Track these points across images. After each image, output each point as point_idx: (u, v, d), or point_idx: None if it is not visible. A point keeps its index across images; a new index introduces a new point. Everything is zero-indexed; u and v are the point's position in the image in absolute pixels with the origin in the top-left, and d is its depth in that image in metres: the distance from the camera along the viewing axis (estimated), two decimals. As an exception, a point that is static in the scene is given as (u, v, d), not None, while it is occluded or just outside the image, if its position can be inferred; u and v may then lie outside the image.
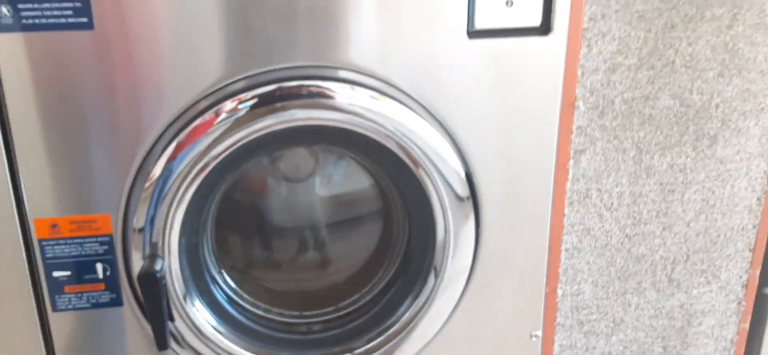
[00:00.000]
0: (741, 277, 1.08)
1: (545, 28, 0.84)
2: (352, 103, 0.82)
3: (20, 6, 0.72)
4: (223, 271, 0.96)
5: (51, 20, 0.74)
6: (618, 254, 1.03)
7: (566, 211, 0.98)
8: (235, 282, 0.97)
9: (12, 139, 0.78)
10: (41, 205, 0.82)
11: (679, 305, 1.08)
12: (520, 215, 0.94)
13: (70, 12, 0.74)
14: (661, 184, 0.99)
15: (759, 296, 1.10)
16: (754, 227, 1.04)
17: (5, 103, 0.77)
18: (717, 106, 0.95)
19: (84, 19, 0.74)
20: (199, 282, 0.89)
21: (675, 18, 0.89)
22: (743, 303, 1.10)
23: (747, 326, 1.12)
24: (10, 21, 0.73)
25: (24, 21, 0.73)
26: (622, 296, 1.06)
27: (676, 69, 0.92)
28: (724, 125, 0.96)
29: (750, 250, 1.06)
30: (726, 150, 0.98)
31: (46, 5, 0.73)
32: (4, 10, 0.72)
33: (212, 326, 0.90)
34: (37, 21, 0.73)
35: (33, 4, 0.73)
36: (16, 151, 0.79)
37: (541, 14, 0.84)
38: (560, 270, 1.02)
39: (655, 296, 1.07)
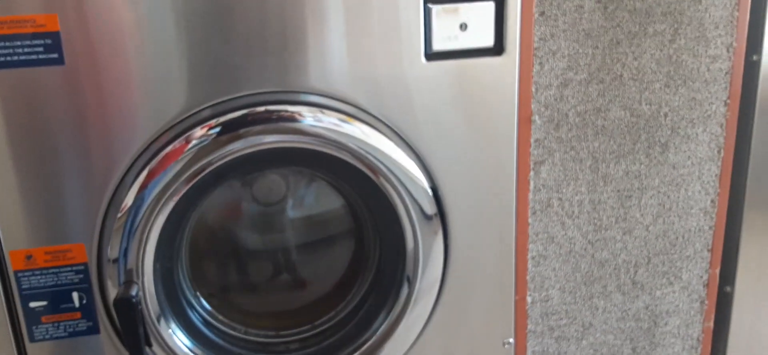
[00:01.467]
0: (702, 276, 1.12)
1: (498, 48, 0.89)
2: (320, 126, 0.85)
3: (-7, 45, 0.75)
4: (198, 294, 0.98)
5: (22, 57, 0.76)
6: (582, 260, 1.07)
7: (530, 220, 1.02)
8: (211, 305, 0.99)
9: (-14, 173, 0.81)
10: (16, 237, 0.84)
11: (644, 307, 1.12)
12: (487, 227, 0.98)
13: (40, 48, 0.77)
14: (619, 191, 1.03)
15: (721, 295, 1.14)
16: (710, 228, 1.09)
17: (-21, 138, 0.79)
18: (665, 115, 1.00)
19: (55, 55, 0.77)
20: (174, 306, 0.92)
21: (620, 34, 0.94)
22: (706, 302, 1.14)
23: (711, 324, 1.16)
24: (-18, 60, 0.76)
25: (-4, 59, 0.76)
26: (589, 301, 1.10)
27: (624, 82, 0.97)
28: (674, 133, 1.01)
29: (708, 250, 1.10)
30: (677, 156, 1.03)
31: (18, 43, 0.76)
32: (-23, 49, 0.75)
33: (189, 349, 0.92)
34: (8, 58, 0.76)
35: (4, 42, 0.75)
36: (-10, 185, 0.81)
37: (493, 36, 0.88)
38: (528, 278, 1.06)
39: (620, 299, 1.11)
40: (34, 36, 0.76)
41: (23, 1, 0.75)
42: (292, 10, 0.82)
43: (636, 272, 1.09)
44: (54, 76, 0.78)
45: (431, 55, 0.87)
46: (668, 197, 1.05)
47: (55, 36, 0.77)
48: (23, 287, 0.86)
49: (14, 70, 0.77)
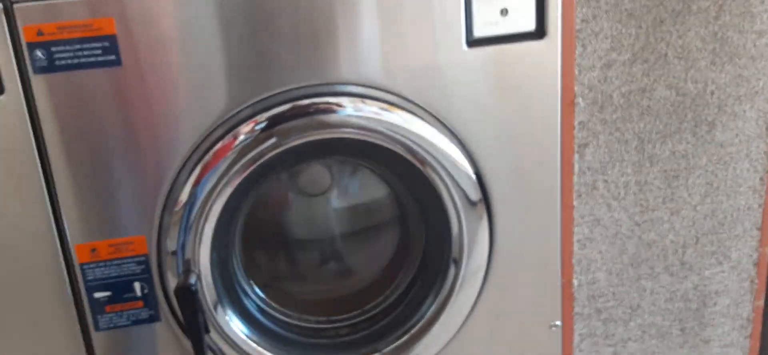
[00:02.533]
0: (751, 255, 1.11)
1: (540, 32, 0.89)
2: (361, 116, 0.87)
3: (53, 49, 0.79)
4: (252, 282, 1.02)
5: (82, 60, 0.80)
6: (629, 242, 1.07)
7: (575, 203, 1.02)
8: (265, 293, 1.03)
9: (51, 172, 0.85)
10: (81, 231, 0.88)
11: (693, 287, 1.12)
12: (531, 210, 0.98)
13: (99, 51, 0.80)
14: (665, 171, 1.03)
15: (772, 274, 1.13)
16: (759, 206, 1.07)
17: (43, 138, 0.83)
18: (712, 93, 0.99)
19: (112, 57, 0.81)
20: (230, 294, 0.95)
21: (663, 13, 0.93)
22: (756, 281, 1.13)
23: (762, 303, 1.15)
24: (44, 63, 0.80)
25: (57, 62, 0.80)
26: (636, 282, 1.10)
27: (669, 61, 0.96)
28: (721, 111, 1.00)
29: (758, 229, 1.09)
30: (725, 134, 1.01)
31: (77, 47, 0.79)
32: (39, 53, 0.79)
33: (246, 335, 0.95)
34: (69, 61, 0.80)
35: (65, 46, 0.79)
36: (55, 182, 0.86)
37: (535, 20, 0.89)
38: (574, 261, 1.06)
39: (668, 280, 1.10)
40: (93, 39, 0.80)
41: (77, 7, 0.78)
42: (330, 3, 0.84)
43: (684, 252, 1.09)
44: (112, 78, 0.82)
45: (473, 42, 0.88)
46: (716, 175, 1.04)
47: (112, 39, 0.80)
48: (88, 278, 0.90)
49: (74, 73, 0.81)
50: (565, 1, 0.89)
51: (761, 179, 1.05)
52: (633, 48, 0.94)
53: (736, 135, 1.02)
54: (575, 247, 1.05)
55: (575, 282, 1.07)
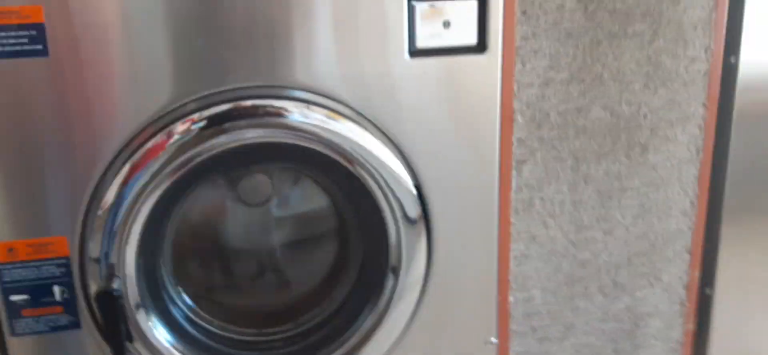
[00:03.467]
0: (682, 278, 1.14)
1: (481, 46, 0.90)
2: (306, 122, 0.86)
3: (-24, 35, 0.76)
4: (180, 289, 0.98)
5: (7, 48, 0.77)
6: (564, 260, 1.08)
7: (512, 219, 1.03)
8: (194, 301, 0.99)
9: (-32, 164, 0.81)
10: (-2, 229, 0.84)
11: (625, 308, 1.13)
12: (470, 225, 0.99)
13: (25, 40, 0.77)
14: (599, 191, 1.05)
15: (702, 297, 1.16)
16: (689, 229, 1.10)
17: (-38, 129, 0.79)
18: (645, 116, 1.01)
19: (39, 47, 0.77)
20: (156, 301, 0.91)
21: (600, 35, 0.96)
22: (686, 304, 1.15)
23: (693, 327, 1.17)
24: (-34, 49, 0.76)
25: (-20, 49, 0.76)
26: (570, 301, 1.11)
27: (604, 82, 0.98)
28: (654, 134, 1.03)
29: (688, 252, 1.12)
30: (657, 157, 1.04)
31: (2, 34, 0.76)
32: (-39, 39, 0.75)
33: (170, 344, 0.91)
34: (-8, 49, 0.77)
35: (-11, 33, 0.76)
36: (-28, 176, 0.81)
37: (476, 34, 0.90)
38: (510, 277, 1.07)
39: (602, 300, 1.12)
40: (19, 27, 0.76)
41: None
42: (278, 5, 0.83)
43: (617, 272, 1.11)
44: (38, 68, 0.79)
45: (415, 53, 0.88)
46: (648, 197, 1.07)
47: (39, 27, 0.77)
48: (4, 279, 0.85)
49: (-1, 61, 0.77)
50: (506, 17, 0.91)
51: (692, 202, 1.08)
52: (570, 68, 0.97)
53: (668, 158, 1.05)
54: (512, 263, 1.06)
55: (511, 299, 1.08)
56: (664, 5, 0.96)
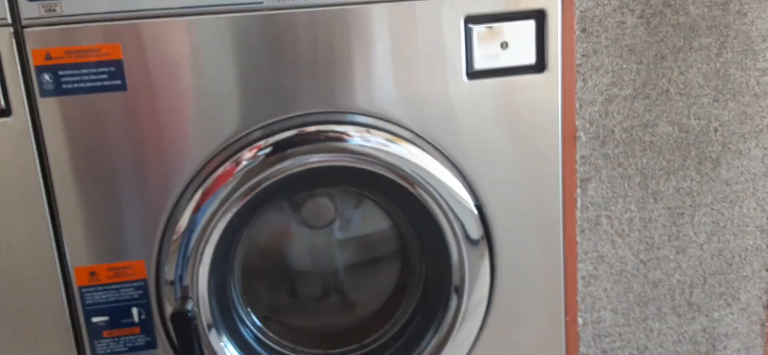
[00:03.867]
0: (761, 297, 1.08)
1: (540, 66, 0.90)
2: (367, 146, 0.88)
3: (61, 73, 0.81)
4: (249, 310, 1.01)
5: (88, 84, 0.82)
6: (634, 280, 1.05)
7: (578, 239, 1.01)
8: (262, 322, 1.02)
9: (54, 194, 0.86)
10: (80, 253, 0.89)
11: (701, 329, 1.09)
12: (534, 246, 0.97)
13: (105, 76, 0.82)
14: (670, 208, 1.01)
15: (783, 318, 1.10)
16: (767, 246, 1.05)
17: (48, 160, 0.85)
18: (715, 130, 0.98)
19: (118, 82, 0.83)
20: (227, 322, 0.94)
21: (664, 49, 0.94)
22: (767, 324, 1.10)
23: (774, 349, 1.12)
24: (51, 86, 0.82)
25: (64, 86, 0.82)
26: (643, 323, 1.08)
27: (671, 97, 0.96)
28: (725, 148, 0.99)
29: (767, 270, 1.07)
30: (730, 172, 1.00)
31: (84, 71, 0.81)
32: (46, 77, 0.81)
33: (240, 364, 0.94)
34: (75, 85, 0.82)
35: (72, 71, 0.81)
36: (58, 204, 0.87)
37: (535, 53, 0.90)
38: (578, 298, 1.04)
39: (676, 321, 1.08)
40: (99, 64, 0.82)
41: (87, 31, 0.81)
42: (338, 34, 0.86)
43: (691, 292, 1.07)
44: (116, 102, 0.84)
45: (473, 74, 0.89)
46: (722, 214, 1.03)
47: (118, 64, 0.82)
48: (86, 302, 0.90)
49: (80, 97, 0.83)
50: (565, 35, 0.90)
51: (769, 218, 1.04)
52: (634, 83, 0.95)
53: (742, 173, 1.01)
54: (579, 284, 1.04)
55: (580, 321, 1.06)
56: (730, 17, 0.93)
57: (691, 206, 1.02)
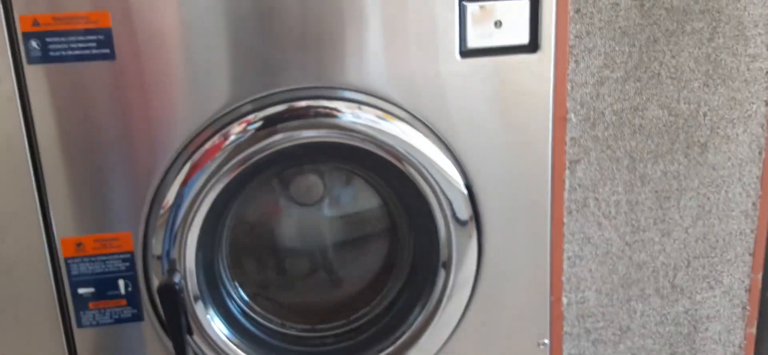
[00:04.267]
0: (743, 281, 1.10)
1: (533, 46, 0.90)
2: (358, 122, 0.87)
3: (48, 40, 0.80)
4: (237, 284, 1.01)
5: (76, 52, 0.81)
6: (619, 262, 1.06)
7: (565, 220, 1.02)
8: (249, 296, 1.02)
9: (41, 163, 0.85)
10: (67, 225, 0.88)
11: (684, 311, 1.11)
12: (521, 225, 0.98)
13: (93, 44, 0.81)
14: (656, 191, 1.02)
15: (764, 300, 1.12)
16: (751, 231, 1.07)
17: (35, 129, 0.84)
18: (705, 115, 0.99)
19: (106, 50, 0.81)
20: (214, 295, 0.94)
21: (657, 32, 0.94)
22: (748, 308, 1.12)
23: (754, 330, 1.14)
24: (39, 54, 0.80)
25: (51, 53, 0.80)
26: (626, 303, 1.09)
27: (662, 81, 0.96)
28: (714, 133, 1.00)
29: (750, 254, 1.08)
30: (717, 157, 1.01)
31: (72, 38, 0.80)
32: (34, 43, 0.80)
33: (226, 337, 0.94)
34: (62, 53, 0.81)
35: (59, 38, 0.80)
36: (44, 174, 0.86)
37: (528, 33, 0.89)
38: (563, 279, 1.05)
39: (659, 303, 1.09)
40: (88, 32, 0.80)
41: None
42: (330, 9, 0.85)
43: (675, 275, 1.08)
44: (104, 71, 0.82)
45: (466, 53, 0.89)
46: (708, 198, 1.04)
47: (107, 32, 0.81)
48: (73, 273, 0.90)
49: (67, 64, 0.81)
50: (558, 16, 0.90)
51: (754, 204, 1.05)
52: (626, 66, 0.95)
53: (729, 158, 1.02)
54: (565, 265, 1.04)
55: (564, 300, 1.07)
56: (723, 2, 0.94)
57: (677, 189, 1.02)
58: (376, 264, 1.06)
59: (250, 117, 0.86)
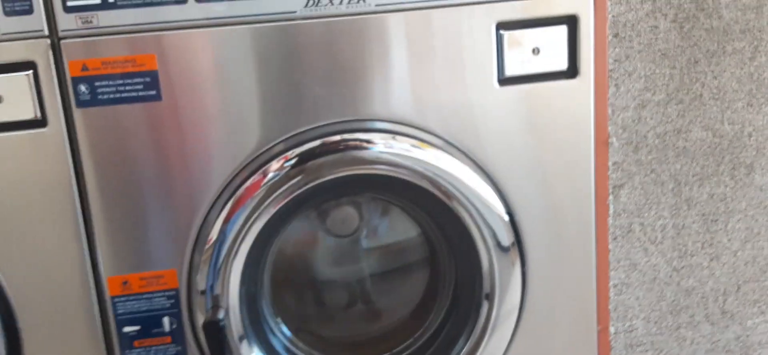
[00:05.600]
0: (797, 306, 1.07)
1: (572, 71, 0.89)
2: (392, 153, 0.87)
3: (97, 84, 0.82)
4: (279, 320, 1.01)
5: (124, 94, 0.83)
6: (667, 288, 1.03)
7: (610, 246, 1.00)
8: (292, 331, 1.01)
9: (88, 203, 0.86)
10: (113, 263, 0.89)
11: (735, 338, 1.07)
12: (565, 253, 0.96)
13: (140, 86, 0.83)
14: (703, 214, 1.00)
15: (819, 326, 1.08)
16: (803, 253, 1.04)
17: (82, 170, 0.85)
18: (749, 136, 0.97)
19: (153, 92, 0.83)
20: (257, 332, 0.94)
21: (698, 54, 0.93)
22: (802, 333, 1.08)
23: (810, 358, 1.10)
24: (87, 97, 0.82)
25: (99, 96, 0.82)
26: (675, 331, 1.06)
27: (704, 102, 0.95)
28: (759, 153, 0.98)
29: (803, 277, 1.05)
30: (764, 178, 0.99)
31: (120, 81, 0.82)
32: (83, 88, 0.82)
33: (272, 374, 0.94)
34: (112, 96, 0.83)
35: (108, 81, 0.82)
36: (91, 214, 0.87)
37: (567, 59, 0.89)
38: (610, 307, 1.03)
39: (709, 330, 1.06)
40: (135, 75, 0.82)
41: (121, 43, 0.81)
42: (360, 44, 0.85)
43: (725, 300, 1.05)
44: (150, 113, 0.84)
45: (504, 81, 0.88)
46: (756, 220, 1.01)
47: (153, 74, 0.82)
48: (118, 312, 0.90)
49: (114, 107, 0.83)
50: (597, 41, 0.89)
51: (805, 225, 1.02)
52: (667, 88, 0.94)
53: (777, 178, 0.99)
54: (611, 292, 1.02)
55: (612, 329, 1.04)
56: (764, 20, 0.92)
57: (724, 212, 1.00)
58: (418, 295, 1.05)
59: (288, 154, 0.87)
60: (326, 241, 1.05)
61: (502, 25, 0.87)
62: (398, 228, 1.05)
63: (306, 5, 0.83)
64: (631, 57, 0.92)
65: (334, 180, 0.87)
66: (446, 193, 0.89)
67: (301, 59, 0.85)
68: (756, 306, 1.06)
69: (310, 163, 0.86)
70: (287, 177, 0.86)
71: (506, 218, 0.92)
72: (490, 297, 0.94)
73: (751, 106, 0.96)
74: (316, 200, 0.95)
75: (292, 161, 0.87)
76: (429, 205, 0.92)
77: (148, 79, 0.82)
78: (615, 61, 0.92)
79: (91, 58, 0.81)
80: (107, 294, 0.90)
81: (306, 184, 0.87)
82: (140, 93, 0.83)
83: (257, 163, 0.88)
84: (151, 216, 0.88)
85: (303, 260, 1.06)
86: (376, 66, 0.86)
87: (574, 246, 0.96)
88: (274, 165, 0.87)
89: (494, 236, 0.92)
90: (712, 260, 1.02)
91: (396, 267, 1.06)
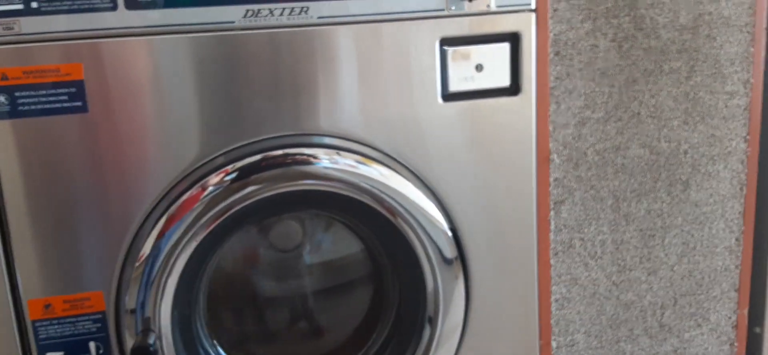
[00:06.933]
0: (730, 318, 1.09)
1: (515, 88, 0.89)
2: (336, 168, 0.85)
3: (17, 94, 0.77)
4: (216, 342, 0.97)
5: (47, 106, 0.78)
6: (607, 303, 1.04)
7: (552, 261, 1.00)
8: (228, 352, 0.98)
9: (7, 220, 0.81)
10: (35, 286, 0.83)
11: (673, 350, 1.09)
12: (508, 268, 0.96)
13: (65, 97, 0.78)
14: (641, 230, 1.02)
15: (751, 336, 1.11)
16: (736, 267, 1.06)
17: (0, 186, 0.80)
18: (685, 153, 0.99)
19: (78, 103, 0.78)
20: (191, 354, 0.90)
21: (636, 73, 0.94)
22: (736, 344, 1.11)
23: (742, 368, 1.13)
24: (7, 108, 0.77)
25: (20, 108, 0.77)
26: (615, 345, 1.07)
27: (642, 120, 0.97)
28: (695, 170, 1.00)
29: (735, 290, 1.08)
30: (700, 194, 1.01)
31: (43, 92, 0.77)
32: (2, 98, 0.76)
33: (207, 399, 0.90)
34: (33, 107, 0.77)
35: (29, 91, 0.77)
36: (10, 232, 0.81)
37: (509, 76, 0.89)
38: (552, 321, 1.03)
39: (648, 343, 1.08)
40: (59, 85, 0.77)
41: (46, 51, 0.76)
42: (304, 56, 0.83)
43: (663, 314, 1.07)
44: (76, 125, 0.79)
45: (448, 96, 0.88)
46: (692, 235, 1.03)
47: (79, 84, 0.78)
48: (40, 337, 0.85)
49: (37, 119, 0.78)
50: (539, 58, 0.90)
51: (737, 239, 1.05)
52: (606, 106, 0.95)
53: (711, 195, 1.02)
54: (553, 307, 1.03)
55: (554, 344, 1.05)
56: (699, 41, 0.95)
57: (661, 227, 1.02)
58: (360, 313, 1.03)
59: (228, 167, 0.84)
60: (267, 256, 1.02)
61: (446, 41, 0.86)
62: (342, 244, 1.03)
63: (245, 16, 0.81)
64: (572, 75, 0.93)
65: (276, 195, 0.85)
66: (390, 209, 0.88)
67: (242, 71, 0.82)
68: (693, 319, 1.08)
69: (251, 178, 0.83)
70: (227, 191, 0.83)
71: (449, 233, 0.91)
72: (433, 321, 0.93)
73: (687, 124, 0.98)
74: (256, 216, 0.92)
75: (233, 175, 0.83)
76: (373, 221, 0.90)
77: (73, 90, 0.78)
78: (556, 78, 0.92)
79: (12, 66, 0.76)
80: (28, 318, 0.84)
81: (247, 199, 0.84)
82: (65, 104, 0.78)
83: (195, 176, 0.84)
84: (77, 235, 0.83)
85: (243, 276, 1.02)
86: (320, 79, 0.84)
87: (516, 261, 0.96)
88: (214, 179, 0.83)
89: (438, 251, 0.91)
90: (650, 274, 1.04)
91: (339, 284, 1.04)
